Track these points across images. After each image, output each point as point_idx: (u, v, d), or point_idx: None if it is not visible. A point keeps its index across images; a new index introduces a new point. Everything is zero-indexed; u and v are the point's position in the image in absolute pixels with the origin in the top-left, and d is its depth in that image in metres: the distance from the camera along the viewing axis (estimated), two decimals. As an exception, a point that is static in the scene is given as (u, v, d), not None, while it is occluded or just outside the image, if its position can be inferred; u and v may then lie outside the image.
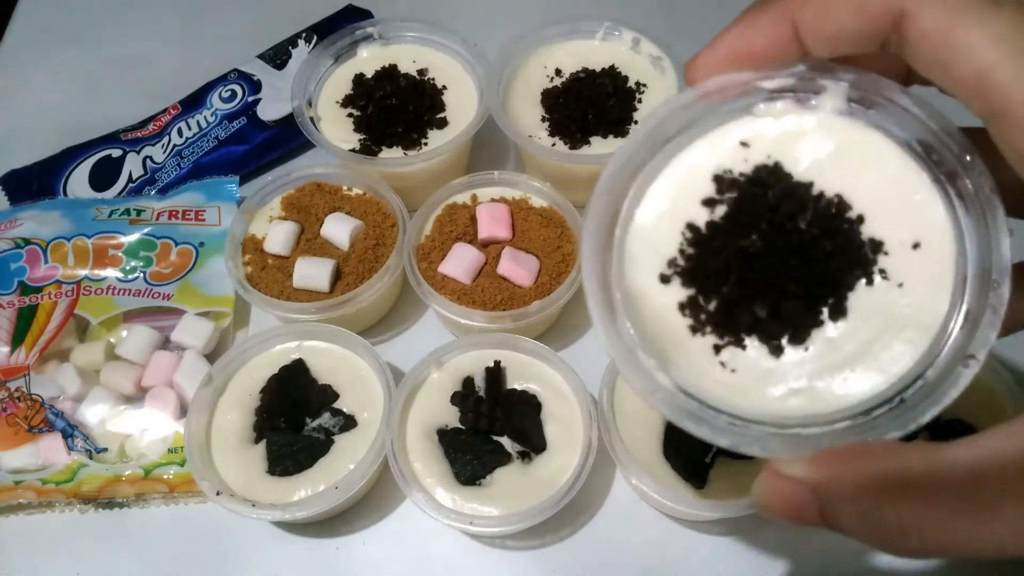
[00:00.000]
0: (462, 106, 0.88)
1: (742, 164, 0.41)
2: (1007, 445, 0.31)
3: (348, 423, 0.71)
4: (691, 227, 0.41)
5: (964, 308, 0.37)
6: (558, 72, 0.90)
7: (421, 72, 0.91)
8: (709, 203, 0.41)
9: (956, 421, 0.65)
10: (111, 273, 0.83)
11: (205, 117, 0.96)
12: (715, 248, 0.40)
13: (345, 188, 0.85)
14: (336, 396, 0.73)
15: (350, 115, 0.88)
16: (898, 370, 0.37)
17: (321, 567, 0.72)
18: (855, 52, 0.37)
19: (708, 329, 0.40)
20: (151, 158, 0.94)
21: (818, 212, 0.39)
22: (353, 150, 0.85)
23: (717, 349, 0.39)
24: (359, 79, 0.90)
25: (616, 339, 0.39)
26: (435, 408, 0.71)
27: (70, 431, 0.75)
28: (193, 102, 0.98)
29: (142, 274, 0.83)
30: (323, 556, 0.73)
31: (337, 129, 0.87)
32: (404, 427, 0.70)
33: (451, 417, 0.70)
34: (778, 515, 0.36)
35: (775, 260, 0.39)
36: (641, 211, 0.42)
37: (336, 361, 0.75)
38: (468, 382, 0.72)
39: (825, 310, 0.39)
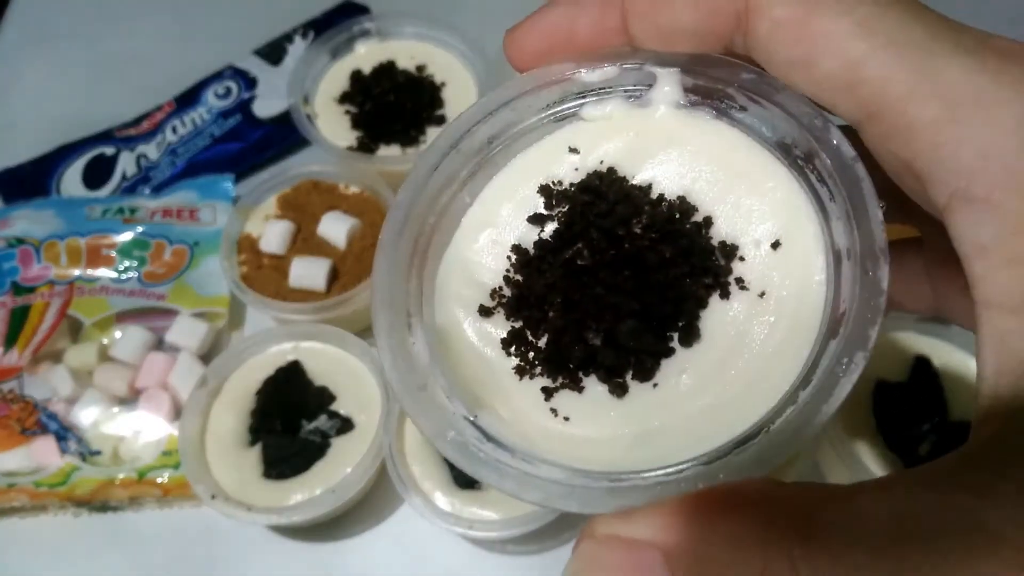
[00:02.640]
0: (461, 103, 0.87)
1: (573, 173, 0.36)
2: (935, 494, 0.24)
3: (345, 426, 0.70)
4: (518, 249, 0.35)
5: (841, 309, 0.30)
6: (558, 68, 0.89)
7: (419, 68, 0.90)
8: (537, 220, 0.35)
9: (968, 424, 0.64)
10: (104, 273, 0.82)
11: (200, 114, 0.95)
12: (542, 269, 0.34)
13: (342, 186, 0.84)
14: (333, 398, 0.72)
15: (347, 112, 0.87)
16: (766, 404, 0.30)
17: (317, 572, 0.71)
18: (694, 51, 0.33)
19: (538, 370, 0.33)
20: (145, 156, 0.93)
21: (656, 215, 0.34)
22: (350, 148, 0.84)
23: (548, 393, 0.32)
24: (356, 75, 0.89)
25: (413, 390, 0.31)
26: (434, 410, 0.70)
27: (63, 433, 0.74)
28: (188, 99, 0.97)
29: (136, 274, 0.82)
30: (319, 561, 0.72)
31: (334, 126, 0.86)
32: (402, 429, 0.69)
33: (450, 419, 0.69)
34: None
35: (604, 273, 0.33)
36: (457, 238, 0.36)
37: (333, 362, 0.74)
38: (467, 384, 0.71)
39: (675, 335, 0.32)
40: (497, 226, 0.36)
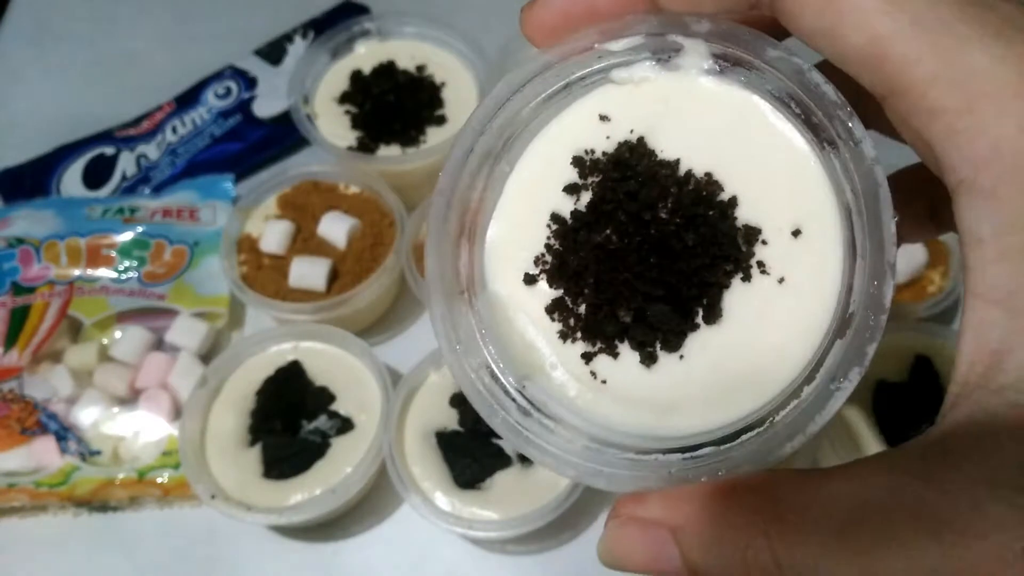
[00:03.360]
0: (461, 103, 0.87)
1: (604, 142, 0.36)
2: (889, 481, 0.26)
3: (345, 426, 0.70)
4: (556, 218, 0.36)
5: (850, 309, 0.30)
6: (558, 68, 0.89)
7: (419, 68, 0.90)
8: (572, 190, 0.36)
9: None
10: (105, 273, 0.82)
11: (200, 114, 0.95)
12: (578, 243, 0.36)
13: (342, 186, 0.84)
14: (333, 398, 0.72)
15: (347, 112, 0.87)
16: (777, 385, 0.32)
17: (317, 572, 0.71)
18: (718, 11, 0.33)
19: (578, 335, 0.35)
20: (145, 156, 0.93)
21: (682, 197, 0.34)
22: (350, 148, 0.84)
23: (588, 358, 0.35)
24: (356, 75, 0.89)
25: (470, 374, 0.34)
26: (434, 410, 0.70)
27: (63, 433, 0.74)
28: (188, 99, 0.97)
29: (136, 274, 0.82)
30: (319, 561, 0.72)
31: (334, 126, 0.86)
32: (402, 430, 0.69)
33: (450, 419, 0.69)
34: (630, 569, 0.31)
35: (632, 259, 0.34)
36: (501, 206, 0.37)
37: (333, 363, 0.74)
38: (467, 384, 0.71)
39: (700, 311, 0.34)
40: (536, 195, 0.37)
